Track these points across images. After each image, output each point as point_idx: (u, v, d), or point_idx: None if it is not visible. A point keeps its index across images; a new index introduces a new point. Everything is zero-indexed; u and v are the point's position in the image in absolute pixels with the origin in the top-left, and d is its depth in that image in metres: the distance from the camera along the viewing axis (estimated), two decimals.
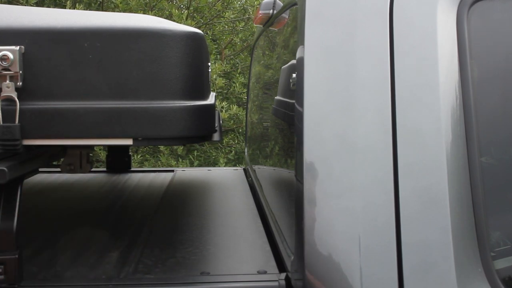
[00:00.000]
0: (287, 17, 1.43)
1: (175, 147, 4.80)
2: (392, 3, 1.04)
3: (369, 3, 1.05)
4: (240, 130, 5.14)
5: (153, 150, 4.97)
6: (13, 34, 1.16)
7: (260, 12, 1.80)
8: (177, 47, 1.19)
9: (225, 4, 5.50)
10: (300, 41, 1.09)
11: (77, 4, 4.75)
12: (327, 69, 1.05)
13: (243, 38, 5.74)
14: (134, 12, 4.61)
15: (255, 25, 2.54)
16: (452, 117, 1.01)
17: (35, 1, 4.46)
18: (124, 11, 4.81)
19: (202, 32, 1.32)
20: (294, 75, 1.14)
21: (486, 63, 1.07)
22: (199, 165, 4.84)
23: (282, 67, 1.40)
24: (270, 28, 1.83)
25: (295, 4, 1.24)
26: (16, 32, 1.17)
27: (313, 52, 1.06)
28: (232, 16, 5.51)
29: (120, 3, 4.75)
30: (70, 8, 4.52)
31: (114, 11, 4.92)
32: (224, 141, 5.05)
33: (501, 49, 1.07)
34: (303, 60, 1.06)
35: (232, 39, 5.74)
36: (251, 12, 5.51)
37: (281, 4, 1.54)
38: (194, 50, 1.23)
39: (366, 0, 1.05)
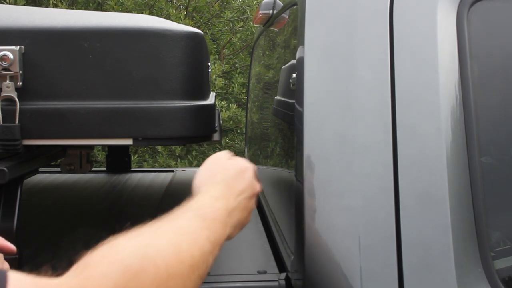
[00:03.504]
0: (287, 17, 1.43)
1: (173, 147, 4.80)
2: (392, 3, 1.04)
3: (369, 3, 1.05)
4: (239, 131, 5.13)
5: (153, 151, 4.96)
6: (13, 34, 1.16)
7: (260, 12, 1.80)
8: (177, 47, 1.19)
9: (224, 4, 5.49)
10: (300, 41, 1.09)
11: (74, 6, 4.74)
12: (327, 69, 1.05)
13: (242, 38, 5.74)
14: (132, 13, 4.61)
15: (255, 25, 2.54)
16: (452, 117, 1.01)
17: (23, 3, 4.41)
18: (121, 12, 4.81)
19: (202, 32, 1.32)
20: (294, 75, 1.14)
21: (486, 63, 1.07)
22: (198, 166, 4.81)
23: (282, 67, 1.40)
24: (270, 28, 1.83)
25: (295, 4, 1.24)
26: (16, 32, 1.17)
27: (313, 52, 1.06)
28: (229, 16, 5.50)
29: (115, 4, 4.74)
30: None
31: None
32: (223, 141, 5.04)
33: (501, 49, 1.07)
34: (303, 60, 1.06)
35: (231, 38, 5.74)
36: (248, 12, 5.51)
37: (281, 4, 1.54)
38: (194, 50, 1.23)
39: (366, 0, 1.05)
